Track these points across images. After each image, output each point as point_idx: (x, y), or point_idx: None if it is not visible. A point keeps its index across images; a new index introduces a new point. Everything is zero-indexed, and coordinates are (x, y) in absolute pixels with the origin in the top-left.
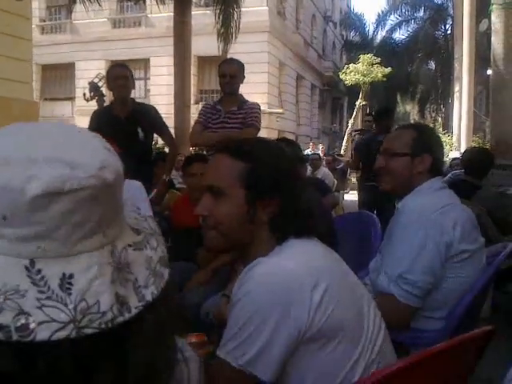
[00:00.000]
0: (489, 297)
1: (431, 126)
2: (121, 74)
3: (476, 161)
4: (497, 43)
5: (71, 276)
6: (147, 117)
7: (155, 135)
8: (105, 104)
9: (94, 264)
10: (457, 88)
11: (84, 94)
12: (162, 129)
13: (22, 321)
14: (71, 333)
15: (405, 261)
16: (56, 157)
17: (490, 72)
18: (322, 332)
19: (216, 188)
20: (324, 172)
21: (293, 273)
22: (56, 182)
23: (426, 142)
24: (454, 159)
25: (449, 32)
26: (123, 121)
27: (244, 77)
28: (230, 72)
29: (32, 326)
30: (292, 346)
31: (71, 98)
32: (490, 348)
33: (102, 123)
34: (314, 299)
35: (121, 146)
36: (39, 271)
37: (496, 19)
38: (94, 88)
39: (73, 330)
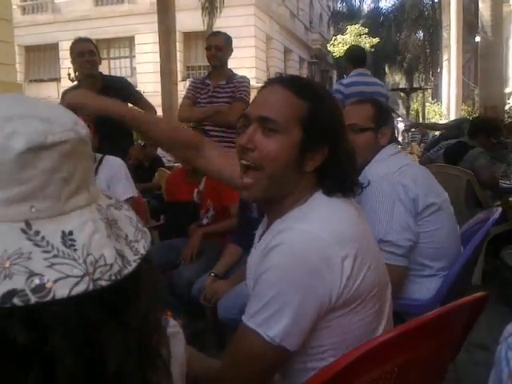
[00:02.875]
0: (480, 264)
1: (420, 95)
2: (87, 49)
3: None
4: (485, 9)
5: (71, 233)
6: (119, 90)
7: None
8: None
9: (88, 220)
10: (445, 57)
11: (69, 75)
12: (136, 98)
13: (37, 281)
14: (88, 286)
15: (381, 226)
16: (30, 114)
17: (478, 39)
18: (354, 297)
19: (272, 122)
20: None
21: (323, 243)
22: (37, 136)
23: (385, 115)
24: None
25: (436, 0)
26: None
27: (232, 50)
28: (216, 44)
29: (49, 284)
30: (321, 315)
31: (56, 79)
32: (482, 314)
33: None
34: (345, 268)
35: (94, 126)
36: (37, 233)
37: None
38: None
39: (89, 282)
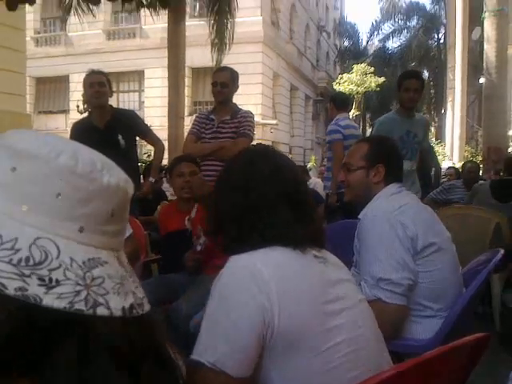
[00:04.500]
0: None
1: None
2: (97, 81)
3: None
4: (489, 51)
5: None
6: (127, 122)
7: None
8: None
9: None
10: (450, 97)
11: (77, 107)
12: (144, 131)
13: (139, 298)
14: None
15: (380, 264)
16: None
17: (482, 80)
18: (282, 336)
19: None
20: (316, 182)
21: (257, 270)
22: (131, 183)
23: (379, 153)
24: (449, 168)
25: (441, 41)
26: (102, 131)
27: (238, 86)
28: (221, 80)
29: (143, 301)
30: (258, 342)
31: (65, 111)
32: (487, 358)
33: (81, 135)
34: (272, 301)
35: None
36: (122, 263)
37: (489, 27)
38: None
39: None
